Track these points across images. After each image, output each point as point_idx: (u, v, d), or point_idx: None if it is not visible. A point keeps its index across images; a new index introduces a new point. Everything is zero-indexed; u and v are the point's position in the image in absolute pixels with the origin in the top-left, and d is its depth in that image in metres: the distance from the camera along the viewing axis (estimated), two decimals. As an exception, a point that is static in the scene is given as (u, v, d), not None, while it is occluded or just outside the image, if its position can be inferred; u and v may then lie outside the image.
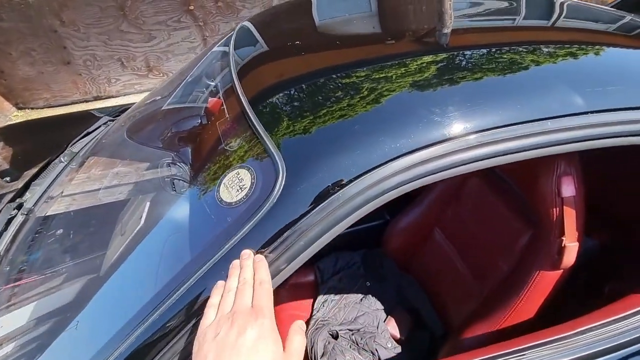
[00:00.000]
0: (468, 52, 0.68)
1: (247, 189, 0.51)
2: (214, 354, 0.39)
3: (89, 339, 0.61)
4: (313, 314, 1.07)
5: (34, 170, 1.17)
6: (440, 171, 0.51)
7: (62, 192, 1.04)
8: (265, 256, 0.48)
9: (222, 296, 0.46)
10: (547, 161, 0.68)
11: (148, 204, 0.82)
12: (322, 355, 0.96)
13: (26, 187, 1.10)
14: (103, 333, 0.56)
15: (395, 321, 1.05)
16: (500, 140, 0.51)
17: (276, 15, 1.15)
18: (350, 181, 0.49)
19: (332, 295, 1.11)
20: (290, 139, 0.54)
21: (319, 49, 0.84)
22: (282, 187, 0.49)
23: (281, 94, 0.65)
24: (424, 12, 0.93)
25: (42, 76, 2.92)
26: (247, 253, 0.48)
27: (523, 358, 0.57)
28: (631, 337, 0.58)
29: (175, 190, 0.75)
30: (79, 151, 1.17)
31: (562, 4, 0.91)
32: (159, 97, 1.18)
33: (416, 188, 1.23)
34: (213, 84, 0.98)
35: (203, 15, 2.82)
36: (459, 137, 0.51)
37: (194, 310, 0.50)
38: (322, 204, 0.48)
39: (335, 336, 1.01)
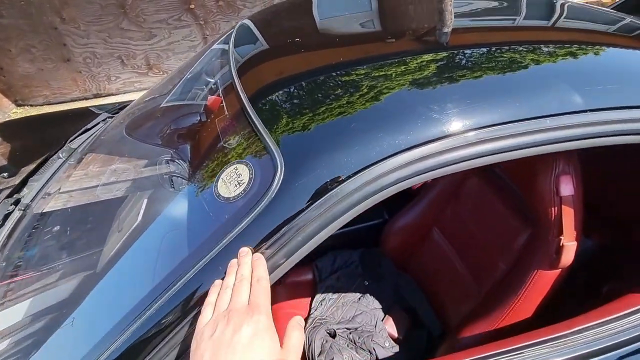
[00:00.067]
0: (468, 51, 0.68)
1: (245, 184, 0.51)
2: (210, 352, 0.39)
3: (85, 334, 0.61)
4: (311, 312, 1.07)
5: (32, 166, 1.17)
6: (439, 168, 0.51)
7: (59, 189, 1.04)
8: (263, 252, 0.48)
9: (219, 294, 0.45)
10: (545, 160, 0.68)
11: (146, 200, 0.82)
12: (320, 354, 0.96)
13: (24, 183, 1.09)
14: (99, 329, 0.56)
15: (393, 320, 1.04)
16: (499, 138, 0.51)
17: (276, 13, 1.15)
18: (349, 177, 0.49)
19: (330, 294, 1.11)
20: (289, 136, 0.54)
21: (319, 47, 0.84)
22: (280, 183, 0.49)
23: (281, 91, 0.65)
24: (424, 11, 0.93)
25: (41, 73, 2.92)
26: (245, 250, 0.48)
27: (520, 356, 0.57)
28: (628, 337, 0.58)
29: (173, 187, 0.75)
30: (77, 147, 1.17)
31: (562, 5, 0.91)
32: (158, 95, 1.18)
33: (415, 188, 1.24)
34: (212, 81, 0.98)
35: (204, 14, 2.82)
36: (458, 134, 0.51)
37: (190, 305, 0.50)
38: (321, 199, 0.48)
39: (333, 335, 1.01)
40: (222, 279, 0.47)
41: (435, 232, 1.06)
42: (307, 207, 0.48)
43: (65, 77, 2.97)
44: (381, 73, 0.62)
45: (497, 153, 0.52)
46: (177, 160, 0.83)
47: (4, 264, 0.86)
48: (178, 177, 0.76)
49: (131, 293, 0.56)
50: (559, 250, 0.69)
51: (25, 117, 2.72)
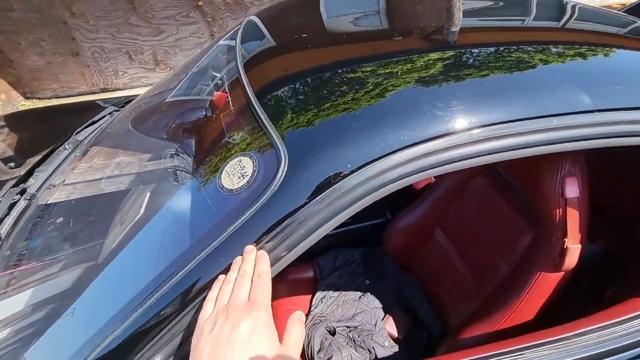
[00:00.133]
0: (475, 50, 0.67)
1: (248, 177, 0.51)
2: (210, 347, 0.39)
3: (86, 323, 0.61)
4: (311, 309, 1.07)
5: (38, 157, 1.18)
6: (443, 165, 0.50)
7: (64, 181, 1.05)
8: (265, 245, 0.48)
9: (220, 289, 0.46)
10: (551, 161, 0.68)
11: (150, 193, 0.83)
12: (319, 351, 0.95)
13: (30, 173, 1.10)
14: (100, 317, 0.56)
15: (393, 320, 1.04)
16: (504, 136, 0.51)
17: (284, 10, 1.15)
18: (353, 172, 0.48)
19: (330, 292, 1.11)
20: (294, 130, 0.54)
21: (325, 44, 0.84)
22: (284, 175, 0.49)
23: (287, 87, 0.65)
24: (432, 10, 0.93)
25: (50, 67, 2.94)
26: (250, 248, 0.48)
27: (521, 357, 0.57)
28: (631, 340, 0.57)
29: (177, 181, 0.75)
30: (83, 139, 1.18)
31: (572, 7, 0.91)
32: (165, 89, 1.18)
33: (419, 187, 1.23)
34: (219, 76, 0.98)
35: (212, 11, 2.83)
36: (463, 131, 0.50)
37: (191, 295, 0.50)
38: (323, 193, 0.48)
39: (333, 332, 1.01)
40: (225, 273, 0.48)
41: (438, 232, 1.06)
42: (309, 201, 0.48)
43: (74, 71, 2.99)
44: (387, 70, 0.62)
45: (502, 151, 0.52)
46: (181, 154, 0.83)
47: (8, 253, 0.87)
48: (182, 171, 0.76)
49: (133, 283, 0.56)
50: (563, 252, 0.68)
51: (33, 108, 2.76)
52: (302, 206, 0.48)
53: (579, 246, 0.67)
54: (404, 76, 0.60)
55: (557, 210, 0.67)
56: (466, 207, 0.99)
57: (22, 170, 1.14)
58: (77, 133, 1.21)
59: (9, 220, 0.92)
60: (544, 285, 0.71)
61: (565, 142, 0.52)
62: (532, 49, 0.67)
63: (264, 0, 2.83)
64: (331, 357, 0.93)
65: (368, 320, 1.04)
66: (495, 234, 0.87)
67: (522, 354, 0.57)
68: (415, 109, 0.53)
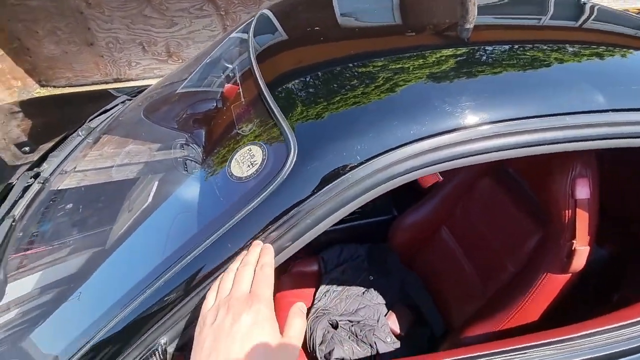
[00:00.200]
0: (489, 48, 0.67)
1: (257, 165, 0.52)
2: (211, 339, 0.40)
3: (92, 305, 0.62)
4: (314, 302, 1.08)
5: (51, 143, 1.20)
6: (452, 160, 0.50)
7: (75, 167, 1.07)
8: (271, 234, 0.49)
9: (222, 278, 0.46)
10: (562, 161, 0.67)
11: (159, 181, 0.84)
12: (321, 344, 0.96)
13: (43, 158, 1.13)
14: (107, 300, 0.57)
15: (396, 316, 1.04)
16: (515, 133, 0.51)
17: (296, 4, 1.15)
18: (361, 163, 0.49)
19: (334, 286, 1.11)
20: (304, 121, 0.55)
21: (337, 38, 0.84)
22: (292, 165, 0.49)
23: (298, 79, 0.65)
24: (446, 7, 0.92)
25: (65, 55, 2.99)
26: (257, 243, 0.48)
27: (525, 356, 0.56)
28: (638, 344, 0.56)
29: (186, 170, 0.76)
30: (96, 127, 1.20)
31: (590, 7, 0.89)
32: (177, 80, 1.19)
33: (426, 186, 1.22)
34: (231, 67, 0.99)
35: (225, 5, 2.84)
36: (473, 126, 0.50)
37: (197, 281, 0.50)
38: (331, 184, 0.48)
39: (335, 326, 1.01)
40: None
41: (444, 231, 1.06)
42: (317, 191, 0.48)
43: (88, 61, 3.04)
44: (398, 65, 0.61)
45: (513, 148, 0.51)
46: (191, 144, 0.84)
47: (21, 234, 0.89)
48: (192, 160, 0.77)
49: (141, 266, 0.57)
50: (571, 254, 0.67)
51: (47, 96, 2.81)
52: (310, 196, 0.48)
53: (587, 248, 0.67)
54: (415, 71, 0.60)
55: (567, 211, 0.66)
56: (474, 206, 0.99)
57: (35, 156, 1.16)
58: (90, 120, 1.23)
59: (23, 203, 0.94)
60: (550, 286, 0.71)
61: (578, 142, 0.51)
62: (548, 48, 0.66)
63: (277, -5, 2.83)
64: (333, 350, 0.94)
65: (371, 315, 1.04)
66: (502, 233, 0.87)
67: (525, 353, 0.57)
68: (426, 103, 0.53)
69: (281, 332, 0.42)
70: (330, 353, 0.94)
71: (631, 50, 0.70)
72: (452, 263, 1.01)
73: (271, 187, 0.48)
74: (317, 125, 0.54)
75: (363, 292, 1.10)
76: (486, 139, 0.51)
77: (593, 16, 0.86)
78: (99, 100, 1.44)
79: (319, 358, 0.94)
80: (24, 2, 2.68)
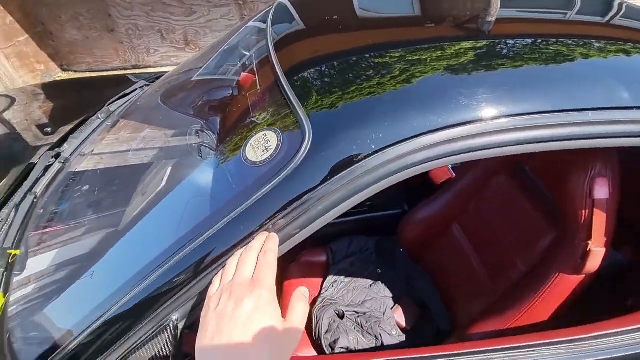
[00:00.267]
0: (510, 41, 0.65)
1: (272, 150, 0.52)
2: (214, 323, 0.41)
3: (106, 283, 0.64)
4: (321, 292, 1.09)
5: (70, 126, 1.23)
6: (468, 152, 0.50)
7: (93, 150, 1.09)
8: (283, 218, 0.49)
9: (226, 263, 0.47)
10: (582, 160, 0.65)
11: (174, 164, 0.85)
12: (326, 332, 0.97)
13: (64, 139, 1.16)
14: (119, 279, 0.59)
15: (403, 310, 1.04)
16: (535, 127, 0.50)
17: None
18: (376, 152, 0.48)
19: (342, 277, 1.12)
20: (320, 109, 0.55)
21: (356, 28, 0.83)
22: (307, 151, 0.49)
23: (315, 68, 0.65)
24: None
25: (87, 41, 3.05)
26: (263, 233, 0.49)
27: (534, 354, 0.56)
28: (650, 349, 0.55)
29: (201, 156, 0.77)
30: (115, 110, 1.23)
31: (618, 4, 0.86)
32: (194, 67, 1.21)
33: (439, 182, 1.21)
34: (248, 55, 0.99)
35: (243, -6, 2.84)
36: (491, 119, 0.49)
37: (207, 262, 0.51)
38: (345, 171, 0.48)
39: (341, 316, 1.02)
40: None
41: (455, 228, 1.05)
42: (330, 178, 0.48)
43: (108, 47, 3.09)
44: (417, 57, 0.61)
45: (532, 143, 0.50)
46: (206, 131, 0.85)
47: (41, 211, 0.92)
48: (206, 147, 0.78)
49: (155, 246, 0.59)
50: (585, 255, 0.66)
51: (68, 79, 2.87)
52: (323, 182, 0.49)
53: (603, 250, 0.65)
54: (433, 63, 0.59)
55: (584, 211, 0.65)
56: (487, 204, 0.98)
57: (55, 138, 1.20)
58: (109, 104, 1.25)
59: (44, 181, 0.98)
60: (562, 286, 0.70)
61: (601, 139, 0.50)
62: (573, 43, 0.64)
63: (296, -15, 2.81)
64: (338, 339, 0.95)
65: (377, 308, 1.05)
66: (515, 232, 0.86)
67: (534, 350, 0.56)
68: (443, 94, 0.52)
69: (283, 316, 0.43)
70: (335, 342, 0.95)
71: (661, 48, 0.67)
72: (461, 260, 1.00)
73: (285, 172, 0.49)
74: (332, 113, 0.54)
75: (370, 285, 1.11)
76: (504, 132, 0.50)
77: (621, 13, 0.83)
78: (118, 85, 1.47)
79: (324, 346, 0.96)
80: (48, -13, 2.74)
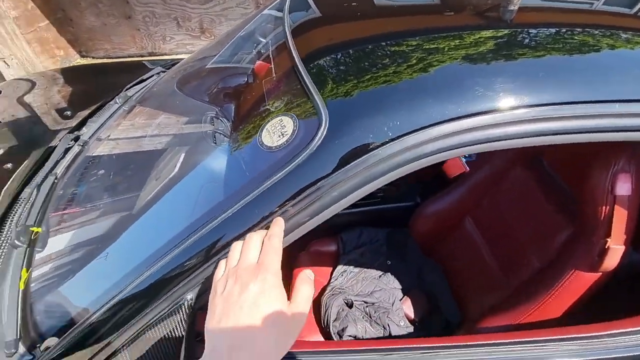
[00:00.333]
0: (533, 31, 0.63)
1: (288, 136, 0.52)
2: (221, 307, 0.42)
3: (124, 262, 0.66)
4: (331, 281, 1.10)
5: (88, 111, 1.26)
6: (486, 142, 0.49)
7: (110, 135, 1.11)
8: (297, 204, 0.49)
9: (231, 248, 0.47)
10: (604, 154, 0.63)
11: (190, 150, 0.86)
12: (335, 320, 0.98)
13: (83, 122, 1.19)
14: (136, 258, 0.60)
15: (411, 302, 1.04)
16: (556, 118, 0.48)
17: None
18: (392, 140, 0.48)
19: (351, 267, 1.12)
20: (336, 95, 0.54)
21: (374, 16, 0.82)
22: (323, 137, 0.49)
23: (333, 55, 0.65)
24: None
25: (105, 28, 3.08)
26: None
27: (546, 348, 0.55)
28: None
29: (215, 143, 0.78)
30: (132, 95, 1.24)
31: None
32: (210, 54, 1.21)
33: (452, 176, 1.19)
34: (264, 42, 0.99)
35: (259, -18, 2.82)
36: (511, 109, 0.48)
37: (221, 245, 0.52)
38: (360, 158, 0.48)
39: (350, 305, 1.03)
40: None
41: (468, 221, 1.04)
42: (346, 164, 0.48)
43: (125, 34, 3.12)
44: (437, 45, 0.59)
45: (553, 134, 0.49)
46: (221, 118, 0.86)
47: (61, 192, 0.95)
48: (221, 133, 0.79)
49: (171, 227, 0.60)
50: (603, 252, 0.64)
51: (86, 64, 2.92)
52: (338, 169, 0.48)
53: (622, 248, 0.63)
54: (451, 51, 0.58)
55: (604, 207, 0.63)
56: (502, 198, 0.96)
57: (74, 121, 1.22)
58: (127, 89, 1.27)
59: (64, 163, 1.00)
60: (577, 284, 0.68)
61: (627, 132, 0.48)
62: (599, 33, 0.62)
63: (312, -27, 2.77)
64: (346, 327, 0.96)
65: (386, 299, 1.05)
66: (530, 226, 0.84)
67: (546, 346, 0.55)
68: (461, 83, 0.51)
69: (288, 300, 0.43)
70: (343, 330, 0.96)
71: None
72: (473, 254, 0.99)
73: (300, 158, 0.49)
74: (348, 100, 0.53)
75: (379, 276, 1.11)
76: (524, 122, 0.49)
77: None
78: (134, 71, 1.49)
79: (333, 334, 0.97)
80: (68, -27, 2.78)
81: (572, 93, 0.49)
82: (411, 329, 1.00)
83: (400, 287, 1.08)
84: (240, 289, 0.41)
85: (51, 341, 0.62)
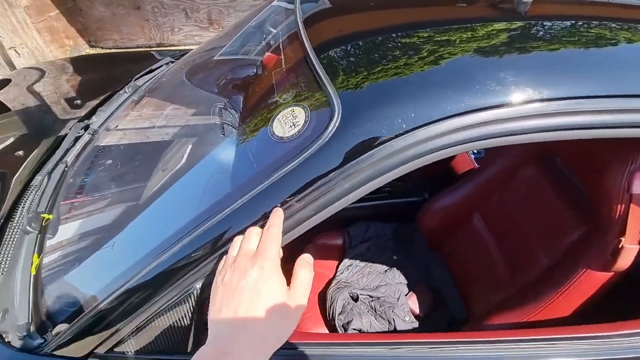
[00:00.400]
0: (548, 23, 0.62)
1: (300, 126, 0.52)
2: (221, 295, 0.42)
3: (132, 252, 0.66)
4: (336, 274, 1.10)
5: (96, 100, 1.26)
6: (501, 136, 0.48)
7: (118, 126, 1.12)
8: (308, 195, 0.49)
9: (233, 240, 0.48)
10: (621, 152, 0.62)
11: (198, 141, 0.86)
12: (340, 313, 0.98)
13: (93, 111, 1.19)
14: (145, 248, 0.61)
15: (417, 297, 1.04)
16: (573, 112, 0.47)
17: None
18: (406, 132, 0.47)
19: (357, 261, 1.12)
20: (350, 87, 0.53)
21: (388, 6, 0.80)
22: (335, 128, 0.48)
23: (346, 46, 0.64)
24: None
25: (114, 18, 3.08)
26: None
27: (553, 347, 0.55)
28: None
29: (224, 134, 0.77)
30: (141, 85, 1.24)
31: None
32: (220, 45, 1.20)
33: (460, 172, 1.17)
34: (273, 34, 0.98)
35: (269, -27, 2.79)
36: (526, 102, 0.47)
37: (230, 235, 0.52)
38: (373, 150, 0.48)
39: (355, 299, 1.03)
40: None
41: (476, 218, 1.03)
42: (358, 156, 0.48)
43: (134, 24, 3.12)
44: (449, 37, 0.58)
45: (569, 129, 0.48)
46: (229, 109, 0.85)
47: (71, 180, 0.95)
48: (229, 125, 0.78)
49: (184, 216, 0.60)
50: (617, 251, 0.63)
51: (95, 54, 2.93)
52: (350, 160, 0.48)
53: (637, 247, 0.62)
54: (469, 43, 0.56)
55: (619, 205, 0.62)
56: (512, 195, 0.95)
57: (83, 111, 1.23)
58: (136, 79, 1.27)
59: (74, 152, 1.01)
60: (588, 283, 0.67)
61: (646, 128, 0.47)
62: (617, 26, 0.60)
63: (323, -35, 2.73)
64: (351, 320, 0.96)
65: (391, 293, 1.05)
66: (541, 224, 0.83)
67: (555, 344, 0.55)
68: (477, 76, 0.50)
69: (287, 285, 0.44)
70: (348, 323, 0.96)
71: None
72: (481, 250, 0.99)
73: (312, 148, 0.48)
74: (362, 90, 0.53)
75: (385, 270, 1.11)
76: (538, 117, 0.48)
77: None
78: (142, 61, 1.49)
79: (338, 327, 0.97)
80: (78, -37, 2.77)
81: (588, 87, 0.48)
82: (416, 324, 1.00)
83: (405, 282, 1.08)
84: (239, 277, 0.42)
85: (62, 327, 0.63)
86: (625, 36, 0.58)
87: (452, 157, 1.30)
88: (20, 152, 1.06)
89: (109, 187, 0.88)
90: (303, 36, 0.70)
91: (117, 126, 1.11)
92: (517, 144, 0.50)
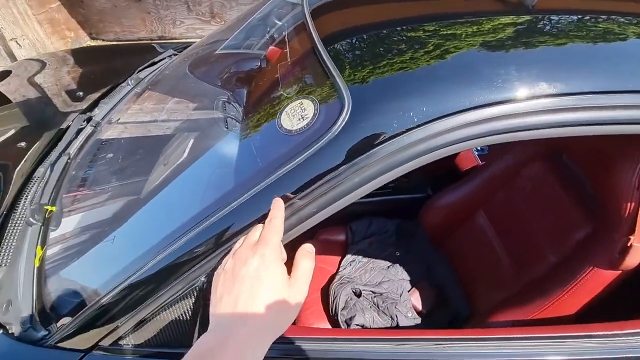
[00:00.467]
0: (556, 17, 0.61)
1: (308, 119, 0.51)
2: (222, 284, 0.43)
3: (138, 244, 0.66)
4: (339, 270, 1.09)
5: (98, 93, 1.25)
6: (511, 132, 0.47)
7: (119, 119, 1.11)
8: (318, 188, 0.48)
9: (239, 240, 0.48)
10: (630, 149, 0.61)
11: (202, 135, 0.86)
12: (343, 309, 0.98)
13: (95, 104, 1.18)
14: (151, 240, 0.60)
15: (420, 294, 1.04)
16: (582, 108, 0.46)
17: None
18: (418, 126, 0.47)
19: (360, 257, 1.12)
20: (360, 80, 0.53)
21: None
22: (345, 121, 0.48)
23: (355, 38, 0.63)
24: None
25: (115, 10, 3.05)
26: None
27: (558, 345, 0.54)
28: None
29: (227, 127, 0.76)
30: (144, 78, 1.23)
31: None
32: (223, 37, 1.19)
33: (464, 169, 1.16)
34: (280, 25, 0.97)
35: (272, -34, 2.76)
36: (537, 97, 0.46)
37: (237, 228, 0.52)
38: (384, 144, 0.47)
39: (358, 294, 1.03)
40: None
41: (480, 215, 1.02)
42: (368, 150, 0.47)
43: (135, 17, 3.09)
44: (455, 31, 0.57)
45: (579, 125, 0.47)
46: (233, 103, 0.85)
47: (74, 173, 0.95)
48: (233, 118, 0.77)
49: (188, 210, 0.59)
50: (625, 250, 0.63)
51: (96, 46, 2.90)
52: (360, 154, 0.47)
53: (646, 246, 0.62)
54: (468, 38, 0.56)
55: (628, 203, 0.62)
56: (517, 192, 0.94)
57: (84, 103, 1.22)
58: (139, 71, 1.26)
59: (76, 144, 1.00)
60: (595, 281, 0.67)
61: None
62: (626, 21, 0.59)
63: (327, -42, 2.70)
64: (354, 316, 0.96)
65: (394, 290, 1.05)
66: (547, 222, 0.83)
67: (561, 342, 0.55)
68: (487, 70, 0.49)
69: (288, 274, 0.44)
70: (351, 318, 0.96)
71: None
72: (485, 248, 0.98)
73: (322, 141, 0.48)
74: (372, 83, 0.52)
75: (388, 267, 1.10)
76: (547, 112, 0.47)
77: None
78: (144, 54, 1.48)
79: (341, 322, 0.97)
80: (80, -47, 2.74)
81: (597, 82, 0.48)
82: (419, 320, 1.00)
83: (408, 278, 1.08)
84: (240, 265, 0.42)
85: (65, 320, 0.63)
86: (634, 31, 0.57)
87: (456, 154, 1.29)
88: (23, 144, 1.06)
89: (113, 180, 0.87)
90: (311, 28, 0.69)
91: (119, 119, 1.10)
92: (524, 140, 0.49)
